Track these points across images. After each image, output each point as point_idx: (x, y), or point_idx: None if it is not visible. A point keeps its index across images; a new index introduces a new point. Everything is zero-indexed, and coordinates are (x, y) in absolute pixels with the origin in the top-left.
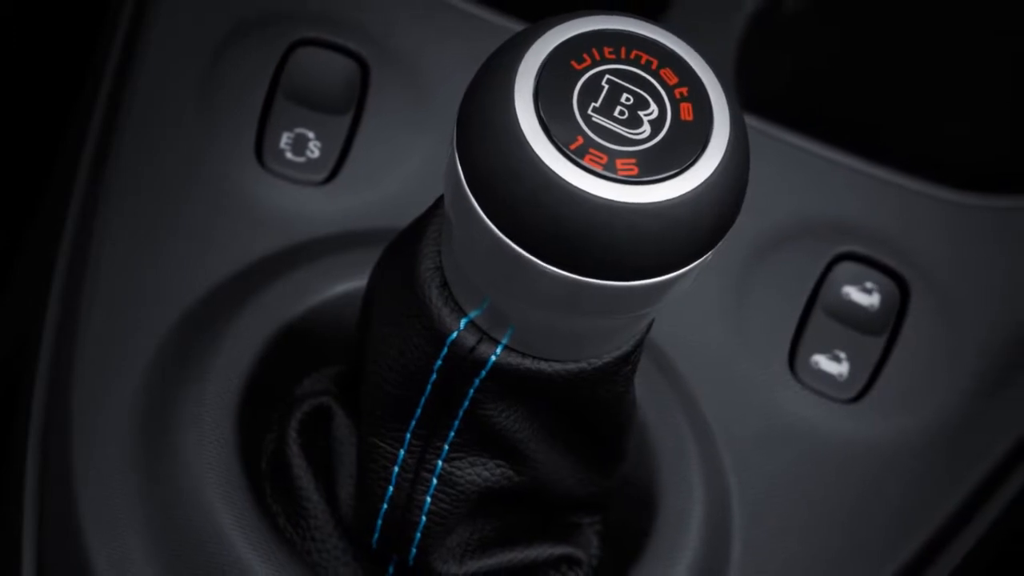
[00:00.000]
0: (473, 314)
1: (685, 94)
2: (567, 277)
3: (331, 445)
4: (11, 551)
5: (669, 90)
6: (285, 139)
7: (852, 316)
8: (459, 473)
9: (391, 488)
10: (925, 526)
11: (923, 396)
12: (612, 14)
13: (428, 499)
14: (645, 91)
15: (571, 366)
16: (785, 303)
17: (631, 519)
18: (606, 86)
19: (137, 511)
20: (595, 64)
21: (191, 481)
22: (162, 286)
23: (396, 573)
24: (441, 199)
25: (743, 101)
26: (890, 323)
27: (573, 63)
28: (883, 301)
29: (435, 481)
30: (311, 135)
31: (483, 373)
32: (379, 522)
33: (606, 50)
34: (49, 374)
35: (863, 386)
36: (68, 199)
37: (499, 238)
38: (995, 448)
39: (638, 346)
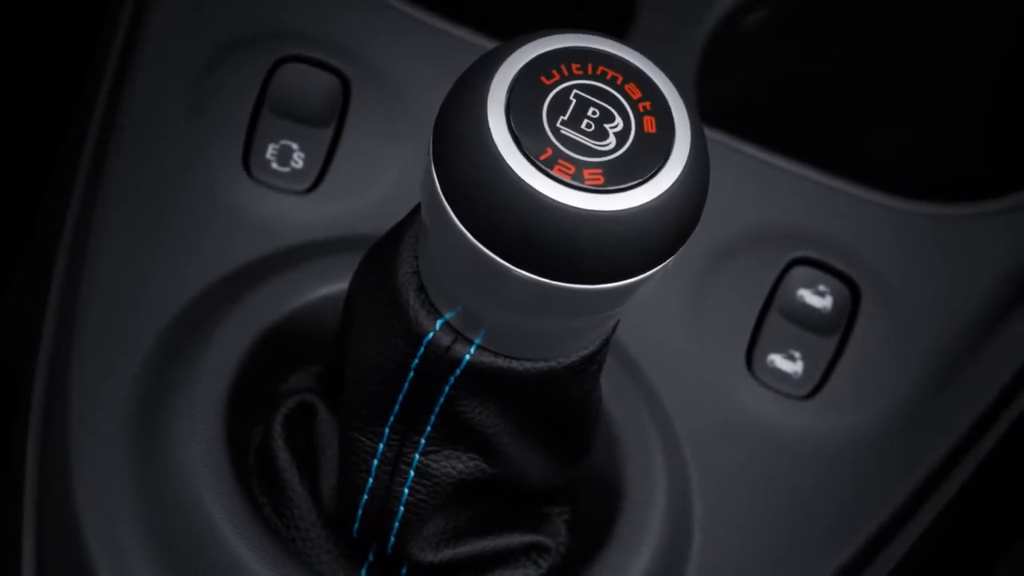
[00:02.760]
0: (448, 315)
1: (648, 108)
2: (537, 281)
3: (314, 439)
4: (11, 551)
5: (633, 104)
6: (271, 150)
7: (806, 317)
8: (435, 465)
9: (371, 480)
10: (873, 518)
11: (872, 393)
12: (580, 32)
13: (406, 490)
14: (611, 105)
15: (541, 365)
16: (743, 305)
17: (597, 509)
18: (574, 100)
19: (134, 507)
20: (563, 79)
21: (184, 479)
22: (156, 287)
23: (375, 561)
24: (418, 207)
25: (703, 114)
26: (842, 324)
27: (543, 79)
28: (835, 303)
29: (412, 473)
30: (295, 146)
31: (458, 371)
32: (359, 512)
33: (574, 66)
34: (48, 373)
35: (816, 384)
36: (68, 199)
37: (473, 244)
38: (939, 444)
39: (604, 346)
